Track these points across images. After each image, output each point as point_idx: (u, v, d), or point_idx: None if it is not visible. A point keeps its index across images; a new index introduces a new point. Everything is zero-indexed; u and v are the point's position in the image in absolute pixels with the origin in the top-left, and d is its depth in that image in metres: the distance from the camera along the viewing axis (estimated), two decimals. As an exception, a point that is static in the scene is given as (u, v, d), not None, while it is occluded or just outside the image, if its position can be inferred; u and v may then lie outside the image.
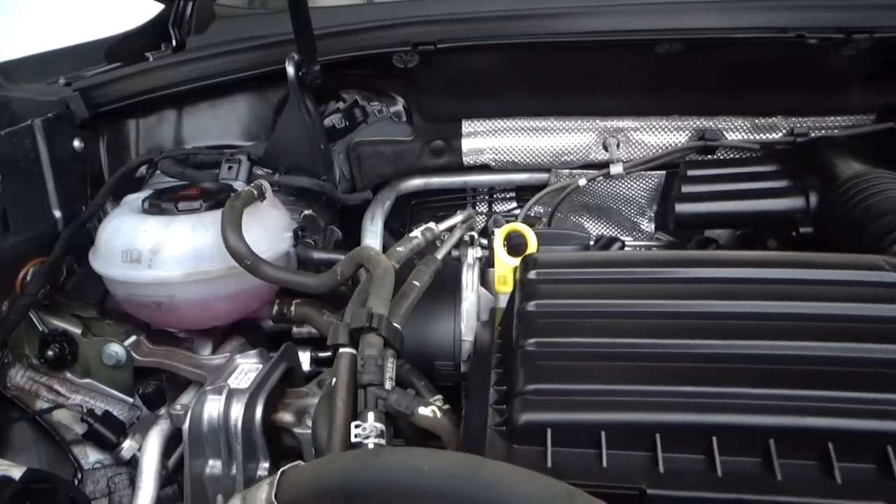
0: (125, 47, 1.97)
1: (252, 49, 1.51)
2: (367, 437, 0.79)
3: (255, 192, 1.23)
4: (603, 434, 0.64)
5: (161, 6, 2.04)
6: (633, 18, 1.44)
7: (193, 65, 1.53)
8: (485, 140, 1.76)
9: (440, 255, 1.08)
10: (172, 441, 1.18)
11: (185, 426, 1.07)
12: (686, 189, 1.23)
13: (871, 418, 0.63)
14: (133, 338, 1.34)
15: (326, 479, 0.55)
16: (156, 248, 1.16)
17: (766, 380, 0.67)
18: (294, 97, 1.40)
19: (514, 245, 1.10)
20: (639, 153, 1.71)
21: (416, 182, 1.88)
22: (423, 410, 0.81)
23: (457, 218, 1.21)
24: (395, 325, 0.92)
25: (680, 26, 1.40)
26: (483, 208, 2.06)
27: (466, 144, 1.76)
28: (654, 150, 1.70)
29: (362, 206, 1.76)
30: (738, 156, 1.61)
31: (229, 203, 1.16)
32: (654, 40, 1.42)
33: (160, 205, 1.23)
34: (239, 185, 1.41)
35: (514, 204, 2.01)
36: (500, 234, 1.09)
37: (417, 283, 1.00)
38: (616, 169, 1.69)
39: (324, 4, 1.99)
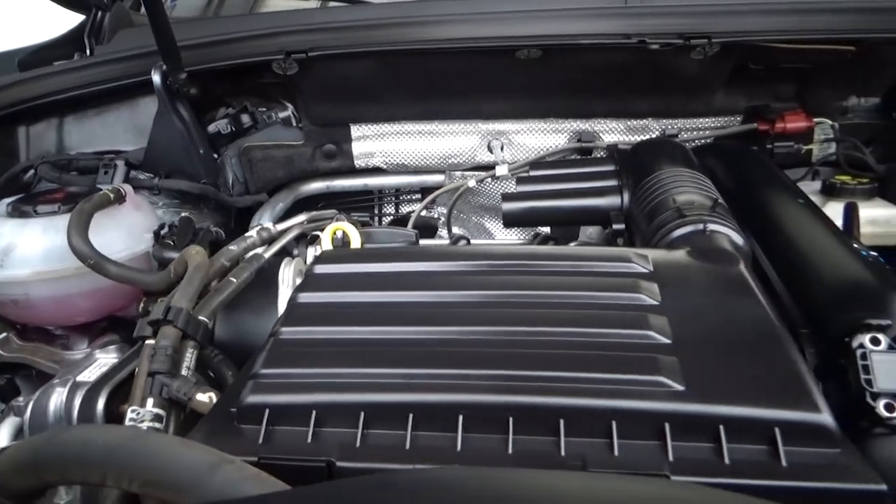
0: (39, 57, 2.02)
1: (133, 58, 1.57)
2: (142, 422, 0.84)
3: (112, 196, 1.28)
4: (314, 413, 0.69)
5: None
6: (495, 26, 1.50)
7: (77, 73, 1.58)
8: (374, 144, 1.81)
9: (268, 253, 1.14)
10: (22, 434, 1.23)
11: (26, 417, 1.12)
12: (519, 188, 1.28)
13: (600, 397, 0.68)
14: (3, 334, 1.39)
15: (21, 453, 0.60)
16: (7, 249, 1.21)
17: (503, 362, 0.72)
18: (163, 104, 1.45)
19: (345, 244, 1.15)
20: (522, 155, 1.77)
21: (318, 185, 1.94)
22: (201, 396, 0.86)
23: (299, 218, 1.26)
24: (202, 318, 0.97)
25: (534, 33, 1.46)
26: (390, 209, 2.12)
27: (357, 148, 1.81)
28: (535, 152, 1.76)
29: (258, 209, 1.82)
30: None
31: (79, 206, 1.21)
32: (512, 47, 1.48)
33: (21, 207, 1.29)
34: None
35: (420, 205, 2.07)
36: (327, 233, 1.15)
37: (234, 280, 1.05)
38: (501, 170, 1.75)
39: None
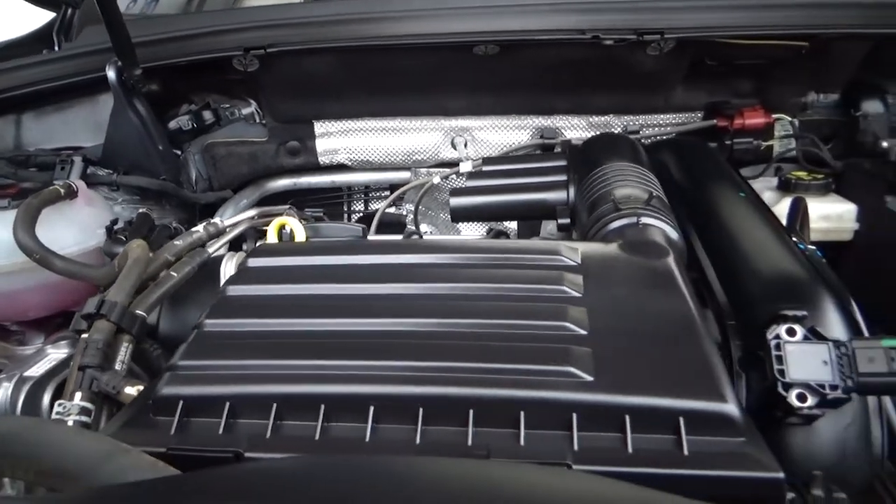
0: (6, 55, 2.02)
1: (92, 54, 1.56)
2: (68, 415, 0.84)
3: (62, 191, 1.28)
4: (227, 405, 0.69)
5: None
6: (452, 22, 1.50)
7: (36, 69, 1.58)
8: (338, 140, 1.81)
9: (213, 248, 1.14)
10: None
11: (-30, 412, 1.12)
12: (469, 184, 1.28)
13: (509, 387, 0.68)
14: (-42, 330, 1.38)
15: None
16: (-47, 244, 1.21)
17: (417, 353, 0.72)
18: (118, 100, 1.45)
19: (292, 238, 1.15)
20: (485, 151, 1.77)
21: (285, 182, 1.94)
22: (129, 390, 0.86)
23: (248, 213, 1.26)
24: (139, 312, 0.97)
25: (491, 29, 1.47)
26: (359, 206, 2.13)
27: (321, 145, 1.81)
28: (498, 149, 1.76)
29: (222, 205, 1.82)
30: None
31: (27, 201, 1.20)
32: (469, 42, 1.49)
33: (-30, 203, 1.28)
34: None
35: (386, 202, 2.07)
36: (272, 228, 1.15)
37: (174, 274, 1.05)
38: (465, 166, 1.75)
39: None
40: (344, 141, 1.81)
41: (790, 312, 0.74)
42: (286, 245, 1.03)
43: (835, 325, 0.83)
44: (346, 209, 2.10)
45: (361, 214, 2.04)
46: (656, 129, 1.69)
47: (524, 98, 1.68)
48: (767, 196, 1.53)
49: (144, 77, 1.47)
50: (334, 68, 1.63)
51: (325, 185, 1.97)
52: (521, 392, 0.67)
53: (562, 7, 1.46)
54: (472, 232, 1.95)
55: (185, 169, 1.75)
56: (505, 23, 1.47)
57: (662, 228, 0.95)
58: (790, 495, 0.63)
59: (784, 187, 1.50)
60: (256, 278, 0.89)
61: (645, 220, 0.95)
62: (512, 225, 1.87)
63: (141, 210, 1.52)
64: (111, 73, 1.41)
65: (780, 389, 0.71)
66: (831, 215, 1.44)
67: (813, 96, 1.65)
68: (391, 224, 1.95)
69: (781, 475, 0.61)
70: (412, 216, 1.88)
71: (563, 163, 1.25)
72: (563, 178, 1.18)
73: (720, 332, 0.89)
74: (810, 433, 0.76)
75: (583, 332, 0.73)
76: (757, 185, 1.60)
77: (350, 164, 1.85)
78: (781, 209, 1.46)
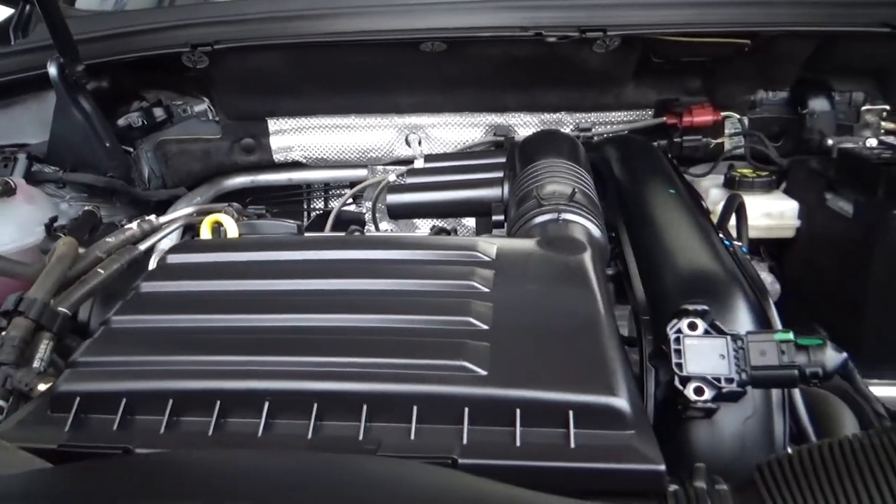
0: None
1: (38, 50, 1.55)
2: (-21, 413, 0.84)
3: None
4: (124, 401, 0.69)
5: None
6: (399, 18, 1.50)
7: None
8: (292, 138, 1.81)
9: (144, 246, 1.13)
10: None
11: None
12: (409, 180, 1.28)
13: (402, 382, 0.68)
14: None
15: None
16: None
17: (315, 349, 0.72)
18: (61, 97, 1.44)
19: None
20: (440, 149, 1.77)
21: (242, 179, 1.93)
22: (42, 387, 0.86)
23: (185, 210, 1.25)
24: (61, 309, 0.97)
25: (437, 26, 1.47)
26: (319, 204, 2.12)
27: (275, 142, 1.81)
28: (452, 146, 1.76)
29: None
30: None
31: (-40, 198, 1.20)
32: (416, 39, 1.49)
33: None
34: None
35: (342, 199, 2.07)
36: (206, 224, 1.14)
37: (101, 271, 1.04)
38: (419, 164, 1.75)
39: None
40: (298, 138, 1.81)
41: (691, 307, 0.74)
42: (206, 242, 1.02)
43: (743, 321, 0.84)
44: (305, 207, 2.09)
45: (319, 212, 2.04)
46: (608, 126, 1.70)
47: (476, 95, 1.68)
48: (714, 193, 1.55)
49: (90, 74, 1.46)
50: (285, 65, 1.63)
51: (283, 183, 1.96)
52: (413, 387, 0.67)
53: (507, 4, 1.46)
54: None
55: (136, 166, 1.74)
56: (450, 20, 1.47)
57: (584, 225, 0.95)
58: (673, 487, 0.63)
59: (729, 185, 1.51)
60: (172, 275, 0.88)
61: (566, 216, 0.95)
62: (470, 222, 1.87)
63: (87, 207, 1.51)
64: (52, 70, 1.40)
65: (678, 383, 0.72)
66: (773, 212, 1.45)
67: (762, 94, 1.66)
68: (353, 221, 1.95)
69: (662, 468, 0.61)
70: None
71: (502, 160, 1.25)
72: (499, 175, 1.19)
73: (636, 328, 0.89)
74: (714, 426, 0.77)
75: (484, 326, 0.73)
76: (706, 182, 1.62)
77: (305, 161, 1.84)
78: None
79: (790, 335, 0.70)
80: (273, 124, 1.79)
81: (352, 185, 2.01)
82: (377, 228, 1.91)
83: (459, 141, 1.75)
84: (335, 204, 2.07)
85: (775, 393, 0.79)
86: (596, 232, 0.96)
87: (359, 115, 1.77)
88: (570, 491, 0.64)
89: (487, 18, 1.45)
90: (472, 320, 0.74)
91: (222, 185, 1.91)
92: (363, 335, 0.73)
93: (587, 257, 0.88)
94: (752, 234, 1.47)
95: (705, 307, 0.75)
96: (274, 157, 1.83)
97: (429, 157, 1.39)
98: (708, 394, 0.71)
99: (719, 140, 1.65)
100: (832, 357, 0.69)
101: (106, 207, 1.64)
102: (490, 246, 0.88)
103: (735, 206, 1.21)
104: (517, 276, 0.83)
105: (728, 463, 0.76)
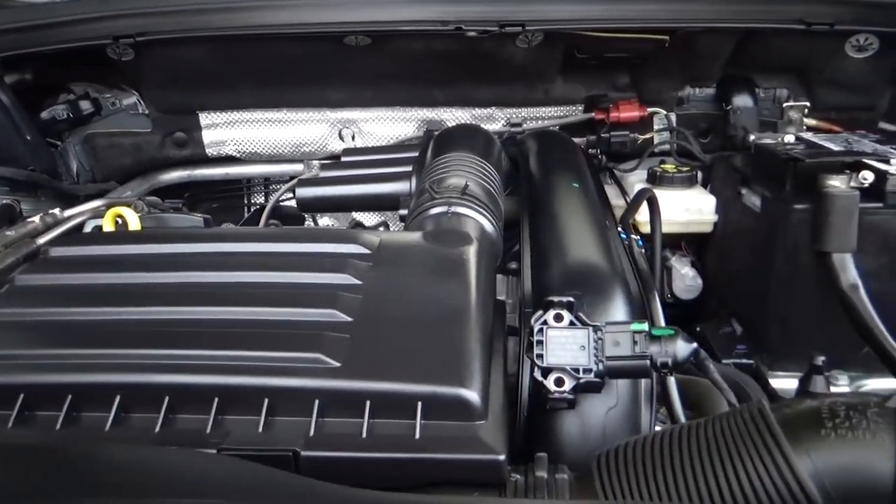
0: None
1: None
2: None
3: None
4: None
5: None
6: (323, 12, 1.49)
7: None
8: (225, 132, 1.79)
9: (43, 239, 1.11)
10: None
11: None
12: (323, 174, 1.28)
13: (254, 375, 0.67)
14: None
15: None
16: None
17: (172, 342, 0.72)
18: (-26, 88, 1.42)
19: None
20: (373, 143, 1.77)
21: (178, 174, 1.91)
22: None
23: (92, 203, 1.24)
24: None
25: (360, 19, 1.46)
26: (260, 199, 2.11)
27: (207, 136, 1.79)
28: (385, 140, 1.76)
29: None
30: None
31: None
32: (339, 33, 1.48)
33: None
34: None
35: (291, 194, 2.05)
36: (107, 218, 1.13)
37: (-6, 265, 1.03)
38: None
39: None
40: (231, 132, 1.79)
41: (556, 299, 0.75)
42: (88, 234, 1.01)
43: (620, 313, 0.84)
44: (246, 202, 2.08)
45: (257, 207, 2.03)
46: (539, 121, 1.70)
47: (405, 90, 1.68)
48: (639, 188, 1.56)
49: (9, 66, 1.44)
50: (212, 58, 1.61)
51: (221, 178, 1.95)
52: (264, 379, 0.66)
53: (429, -1, 1.46)
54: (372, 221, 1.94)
55: (63, 160, 1.72)
56: (373, 14, 1.46)
57: (475, 219, 0.95)
58: (515, 477, 0.64)
59: (651, 180, 1.53)
60: (49, 267, 0.87)
61: (457, 209, 0.95)
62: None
63: (4, 201, 1.48)
64: (-36, 61, 1.38)
65: (538, 374, 0.72)
66: (692, 207, 1.47)
67: (689, 90, 1.67)
68: (292, 216, 1.94)
69: (502, 457, 0.62)
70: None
71: (415, 154, 1.25)
72: (403, 168, 1.18)
73: (518, 320, 0.90)
74: (578, 417, 0.78)
75: (348, 318, 0.73)
76: (632, 177, 1.63)
77: (239, 155, 1.83)
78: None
79: (644, 326, 0.71)
80: (205, 118, 1.77)
81: (291, 179, 2.01)
82: (315, 223, 1.91)
83: (392, 135, 1.75)
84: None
85: (644, 383, 0.80)
86: (488, 226, 0.96)
87: (291, 110, 1.75)
88: (415, 481, 0.65)
89: (409, 12, 1.44)
90: (336, 312, 0.74)
91: (157, 180, 1.89)
92: (223, 328, 0.73)
93: (470, 251, 0.88)
94: (672, 228, 1.49)
95: (570, 299, 0.75)
96: (207, 151, 1.81)
97: (346, 151, 1.39)
98: (568, 384, 0.72)
99: (647, 136, 1.67)
100: (683, 347, 0.70)
101: (30, 201, 1.62)
102: (372, 238, 0.88)
103: (642, 201, 1.22)
104: (394, 269, 0.83)
105: (592, 452, 0.77)
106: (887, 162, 1.18)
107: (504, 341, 0.86)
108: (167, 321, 0.75)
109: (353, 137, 1.78)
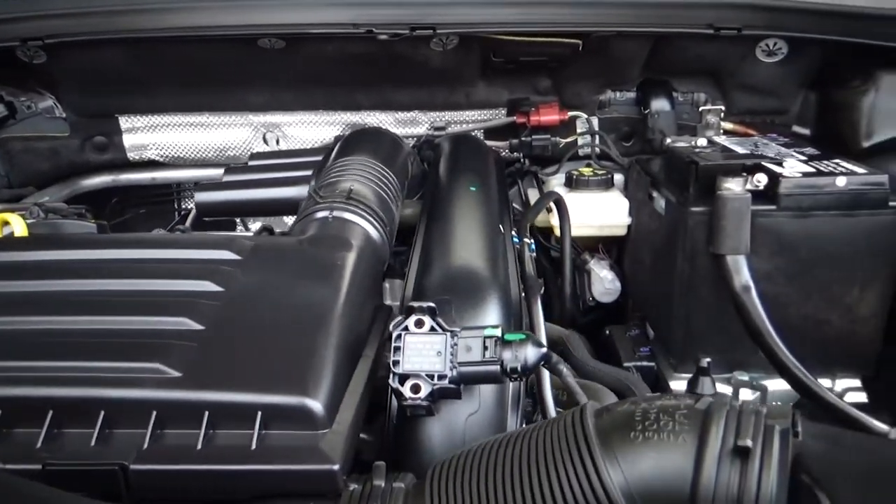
0: None
1: None
2: None
3: None
4: None
5: None
6: (235, 14, 1.47)
7: None
8: (146, 136, 1.76)
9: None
10: None
11: None
12: (225, 178, 1.26)
13: (89, 386, 0.65)
14: None
15: None
16: None
17: (6, 353, 0.69)
18: None
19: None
20: (299, 147, 1.75)
21: (103, 179, 1.87)
22: None
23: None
24: None
25: (273, 22, 1.44)
26: (191, 204, 2.08)
27: (128, 140, 1.76)
28: (310, 145, 1.74)
29: (21, 203, 1.74)
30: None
31: None
32: (251, 35, 1.46)
33: None
34: None
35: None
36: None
37: None
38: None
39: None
40: (152, 136, 1.76)
41: (417, 304, 0.74)
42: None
43: (493, 318, 0.84)
44: (176, 206, 2.04)
45: (187, 211, 1.99)
46: (462, 125, 1.70)
47: (326, 94, 1.67)
48: (559, 192, 1.56)
49: None
50: (128, 61, 1.58)
51: (147, 183, 1.91)
52: (98, 391, 0.65)
53: (343, 2, 1.44)
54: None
55: (-24, 164, 1.67)
56: (287, 16, 1.44)
57: (358, 223, 0.94)
58: (352, 486, 0.63)
59: (567, 183, 1.53)
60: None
61: (340, 213, 0.94)
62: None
63: None
64: None
65: (394, 381, 0.71)
66: (605, 211, 1.47)
67: (610, 94, 1.68)
68: (222, 222, 1.91)
69: (336, 467, 0.60)
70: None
71: (311, 158, 1.24)
72: (303, 173, 1.17)
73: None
74: (439, 424, 0.77)
75: (199, 327, 0.72)
76: (553, 181, 1.63)
77: (162, 160, 1.80)
78: (570, 204, 1.49)
79: (497, 331, 0.71)
80: (125, 122, 1.74)
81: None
82: (246, 228, 1.88)
83: (317, 139, 1.73)
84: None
85: (512, 387, 0.80)
86: (372, 231, 0.95)
87: (213, 113, 1.73)
88: (251, 493, 0.64)
89: (321, 15, 1.43)
90: (186, 320, 0.72)
91: (79, 185, 1.85)
92: (68, 337, 0.71)
93: (346, 256, 0.87)
94: (587, 232, 1.50)
95: (432, 304, 0.74)
96: (128, 155, 1.77)
97: (253, 156, 1.37)
98: (424, 391, 0.71)
99: (570, 139, 1.68)
100: (533, 352, 0.70)
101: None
102: (246, 244, 0.86)
103: (544, 205, 1.22)
104: (261, 275, 0.82)
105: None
106: (781, 165, 1.19)
107: (381, 347, 0.85)
108: (12, 332, 0.73)
109: (277, 141, 1.76)
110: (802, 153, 1.30)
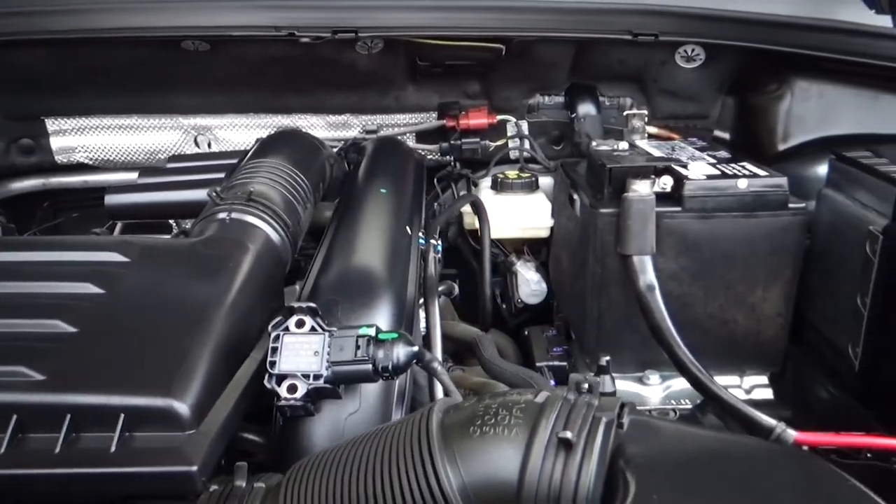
0: None
1: None
2: None
3: None
4: None
5: None
6: (160, 16, 1.46)
7: None
8: (74, 138, 1.73)
9: None
10: None
11: None
12: (140, 180, 1.24)
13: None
14: None
15: None
16: None
17: None
18: None
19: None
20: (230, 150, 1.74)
21: (31, 182, 1.83)
22: None
23: None
24: None
25: (197, 24, 1.43)
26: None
27: (56, 143, 1.73)
28: (241, 148, 1.73)
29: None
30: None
31: None
32: (174, 37, 1.45)
33: None
34: None
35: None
36: None
37: None
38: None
39: None
40: (81, 139, 1.73)
41: (298, 304, 0.74)
42: None
43: (380, 318, 0.84)
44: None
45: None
46: (394, 128, 1.71)
47: (255, 96, 1.66)
48: (485, 194, 1.57)
49: None
50: (52, 62, 1.56)
51: (79, 186, 1.88)
52: None
53: (265, 4, 1.44)
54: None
55: None
56: (207, 18, 1.44)
57: (257, 226, 0.94)
58: (213, 487, 0.63)
59: (493, 186, 1.55)
60: None
61: (239, 215, 0.94)
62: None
63: None
64: None
65: (270, 382, 0.71)
66: (529, 213, 1.49)
67: (539, 98, 1.70)
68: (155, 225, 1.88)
69: (194, 469, 0.60)
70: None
71: (226, 161, 1.23)
72: (221, 175, 1.16)
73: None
74: (323, 423, 0.77)
75: (71, 329, 0.71)
76: (483, 184, 1.65)
77: (91, 163, 1.77)
78: (495, 207, 1.51)
79: (371, 331, 0.71)
80: (52, 124, 1.71)
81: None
82: (181, 228, 1.86)
83: (250, 142, 1.72)
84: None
85: (398, 385, 0.80)
86: (272, 233, 0.95)
87: (141, 116, 1.71)
88: (113, 496, 0.63)
89: (243, 18, 1.43)
90: (59, 323, 0.71)
91: (7, 188, 1.81)
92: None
93: (242, 258, 0.87)
94: (512, 233, 1.52)
95: (312, 305, 0.75)
96: (56, 158, 1.74)
97: (172, 158, 1.36)
98: (301, 391, 0.71)
99: (500, 142, 1.69)
100: (404, 351, 0.70)
101: None
102: (135, 246, 0.86)
103: (459, 207, 1.23)
104: (146, 278, 0.81)
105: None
106: (686, 167, 1.22)
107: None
108: None
109: (209, 144, 1.74)
110: (714, 156, 1.33)
